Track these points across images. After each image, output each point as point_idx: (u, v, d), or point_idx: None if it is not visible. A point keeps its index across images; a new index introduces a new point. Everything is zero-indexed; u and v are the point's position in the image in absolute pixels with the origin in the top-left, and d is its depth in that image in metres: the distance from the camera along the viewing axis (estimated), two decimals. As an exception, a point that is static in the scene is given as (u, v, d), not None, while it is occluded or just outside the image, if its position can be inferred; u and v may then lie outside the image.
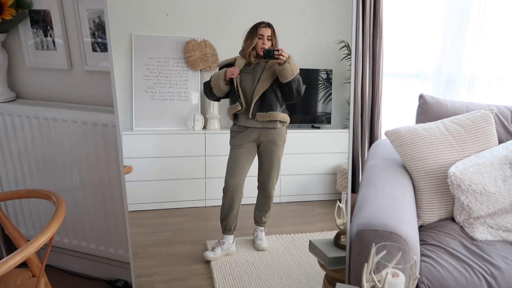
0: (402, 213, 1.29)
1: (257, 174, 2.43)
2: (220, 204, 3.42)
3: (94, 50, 1.57)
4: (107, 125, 1.56)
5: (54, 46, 1.64)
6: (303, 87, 2.23)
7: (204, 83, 2.33)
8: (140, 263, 2.27)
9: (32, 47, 1.68)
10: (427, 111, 1.81)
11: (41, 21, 1.63)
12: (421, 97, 1.84)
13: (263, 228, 2.50)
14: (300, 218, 3.12)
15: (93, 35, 1.56)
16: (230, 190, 2.33)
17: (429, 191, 1.54)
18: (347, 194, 1.49)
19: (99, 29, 1.56)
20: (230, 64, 2.21)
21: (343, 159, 3.56)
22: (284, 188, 3.51)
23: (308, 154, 3.50)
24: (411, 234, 1.22)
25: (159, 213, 3.21)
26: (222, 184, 3.41)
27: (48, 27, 1.62)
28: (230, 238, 2.39)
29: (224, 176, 2.42)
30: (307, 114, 3.52)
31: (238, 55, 2.25)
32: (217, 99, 2.29)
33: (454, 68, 2.10)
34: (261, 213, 2.46)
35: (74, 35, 1.61)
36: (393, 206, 1.31)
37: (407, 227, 1.23)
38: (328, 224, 2.97)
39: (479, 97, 2.08)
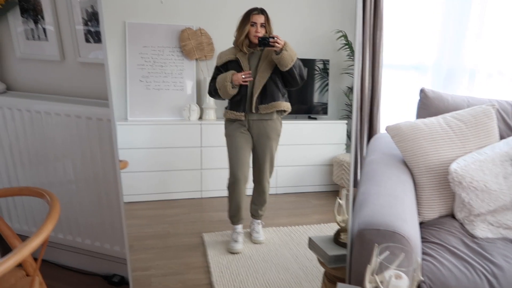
0: (404, 211, 1.27)
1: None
2: (216, 195, 3.40)
3: (87, 40, 1.51)
4: (102, 119, 1.51)
5: (46, 36, 1.58)
6: (305, 71, 2.15)
7: (210, 83, 2.22)
8: (136, 256, 2.25)
9: (23, 37, 1.61)
10: (428, 105, 1.79)
11: (32, 9, 1.56)
12: (422, 91, 1.81)
13: (260, 221, 2.48)
14: (296, 209, 3.13)
15: (86, 25, 1.50)
16: (242, 181, 2.25)
17: (429, 188, 1.53)
18: (348, 190, 1.46)
19: (92, 19, 1.49)
20: (232, 61, 2.12)
21: (340, 150, 3.55)
22: (280, 179, 3.50)
23: (305, 145, 3.48)
24: (414, 234, 1.21)
25: (154, 204, 3.20)
26: (218, 175, 3.39)
27: (39, 16, 1.56)
28: (240, 227, 2.38)
29: (229, 167, 2.32)
30: (303, 104, 3.49)
31: (232, 45, 2.16)
32: (223, 99, 2.21)
33: (454, 60, 2.07)
34: (257, 206, 2.44)
35: (66, 24, 1.54)
36: (395, 204, 1.29)
37: (410, 226, 1.22)
38: (324, 216, 2.98)
39: (479, 91, 2.06)
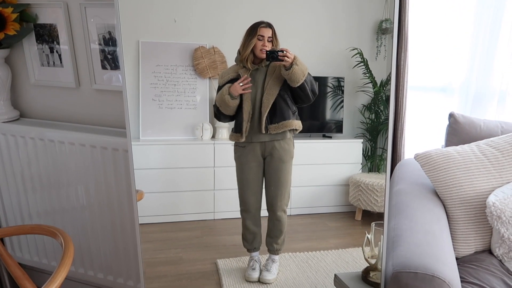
0: (443, 251, 1.18)
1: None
2: (229, 217, 3.31)
3: (103, 67, 1.46)
4: (118, 149, 1.44)
5: (61, 62, 1.53)
6: (316, 85, 2.01)
7: (214, 106, 2.12)
8: (148, 285, 2.16)
9: (37, 63, 1.56)
10: (458, 131, 1.69)
11: (47, 35, 1.52)
12: (451, 116, 1.72)
13: (275, 257, 2.25)
14: (312, 233, 3.01)
15: (102, 51, 1.45)
16: (255, 209, 2.17)
17: (464, 221, 1.43)
18: (378, 225, 1.37)
19: (108, 45, 1.44)
20: (234, 79, 2.00)
21: (356, 170, 3.45)
22: (294, 200, 3.40)
23: (319, 165, 3.39)
24: (455, 277, 1.11)
25: (166, 226, 3.11)
26: (232, 196, 3.29)
27: (54, 42, 1.51)
28: (257, 253, 2.27)
29: (238, 194, 2.26)
30: (316, 121, 3.41)
31: (234, 62, 2.06)
32: (231, 118, 2.09)
33: (483, 82, 1.98)
34: (272, 239, 2.23)
35: (82, 51, 1.49)
36: (432, 242, 1.20)
37: (450, 268, 1.12)
38: (342, 240, 2.86)
39: (510, 114, 1.96)
